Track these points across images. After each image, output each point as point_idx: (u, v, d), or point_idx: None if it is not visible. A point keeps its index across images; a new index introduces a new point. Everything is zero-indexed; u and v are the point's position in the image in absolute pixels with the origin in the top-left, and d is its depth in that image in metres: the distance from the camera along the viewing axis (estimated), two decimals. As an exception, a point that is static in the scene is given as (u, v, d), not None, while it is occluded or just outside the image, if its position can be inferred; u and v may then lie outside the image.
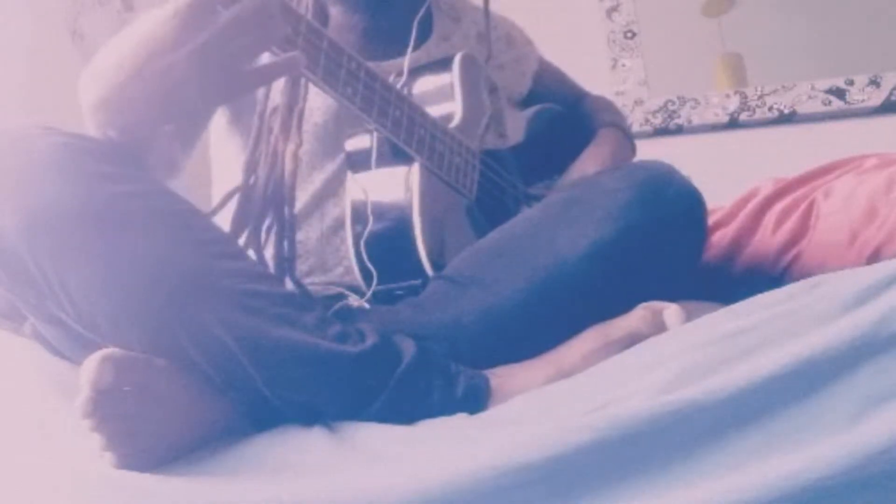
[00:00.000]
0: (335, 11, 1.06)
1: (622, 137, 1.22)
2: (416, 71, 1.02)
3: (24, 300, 0.71)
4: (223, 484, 0.60)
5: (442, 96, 1.01)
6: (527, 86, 1.24)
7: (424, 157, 0.92)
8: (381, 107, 0.87)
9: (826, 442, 0.54)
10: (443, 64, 1.03)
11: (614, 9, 2.01)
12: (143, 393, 0.63)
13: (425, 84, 1.02)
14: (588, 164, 1.14)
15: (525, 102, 1.24)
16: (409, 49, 1.01)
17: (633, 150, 1.24)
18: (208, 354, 0.66)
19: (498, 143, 1.11)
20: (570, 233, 0.80)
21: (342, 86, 0.83)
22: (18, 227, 0.65)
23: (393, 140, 0.90)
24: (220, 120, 1.07)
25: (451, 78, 1.02)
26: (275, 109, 0.89)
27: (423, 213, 0.90)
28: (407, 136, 0.91)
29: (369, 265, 0.90)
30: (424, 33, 1.08)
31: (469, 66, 1.03)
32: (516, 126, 1.17)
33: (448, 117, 1.00)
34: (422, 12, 1.04)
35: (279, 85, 0.90)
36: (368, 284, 0.90)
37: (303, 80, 0.89)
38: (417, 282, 0.89)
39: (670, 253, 0.82)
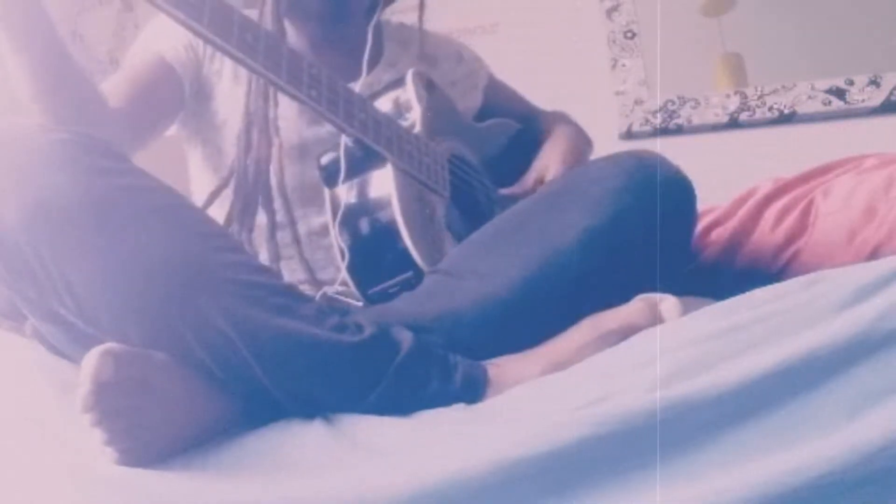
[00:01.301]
0: (290, 29, 1.09)
1: (574, 130, 1.24)
2: (371, 96, 1.05)
3: (24, 296, 0.71)
4: (223, 480, 0.61)
5: (400, 111, 1.04)
6: (479, 99, 1.28)
7: (395, 156, 0.94)
8: (347, 109, 0.89)
9: (824, 439, 0.54)
10: (396, 83, 1.06)
11: (614, 9, 2.01)
12: (143, 387, 0.63)
13: (382, 104, 1.04)
14: (548, 154, 1.16)
15: (479, 118, 1.27)
16: (364, 59, 1.03)
17: (588, 142, 1.26)
18: (209, 345, 0.67)
19: (460, 149, 1.13)
20: (562, 220, 0.81)
21: (307, 88, 0.85)
22: (20, 220, 0.65)
23: (362, 139, 0.91)
24: (190, 142, 1.12)
25: (407, 93, 1.04)
26: (251, 121, 0.95)
27: (402, 208, 0.91)
28: (375, 136, 0.92)
29: (342, 244, 0.92)
30: (373, 60, 1.11)
31: (421, 80, 1.06)
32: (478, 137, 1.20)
33: (410, 128, 1.02)
34: (372, 24, 1.07)
35: (251, 98, 0.97)
36: (356, 283, 0.92)
37: (272, 90, 0.92)
38: (409, 274, 0.90)
39: (661, 238, 0.83)
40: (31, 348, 0.81)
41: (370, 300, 0.92)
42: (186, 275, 0.66)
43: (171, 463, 0.63)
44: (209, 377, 0.68)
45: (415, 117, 1.04)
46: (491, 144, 1.21)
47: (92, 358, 0.61)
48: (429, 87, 1.08)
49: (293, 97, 0.86)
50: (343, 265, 0.93)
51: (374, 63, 1.13)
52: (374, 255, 0.92)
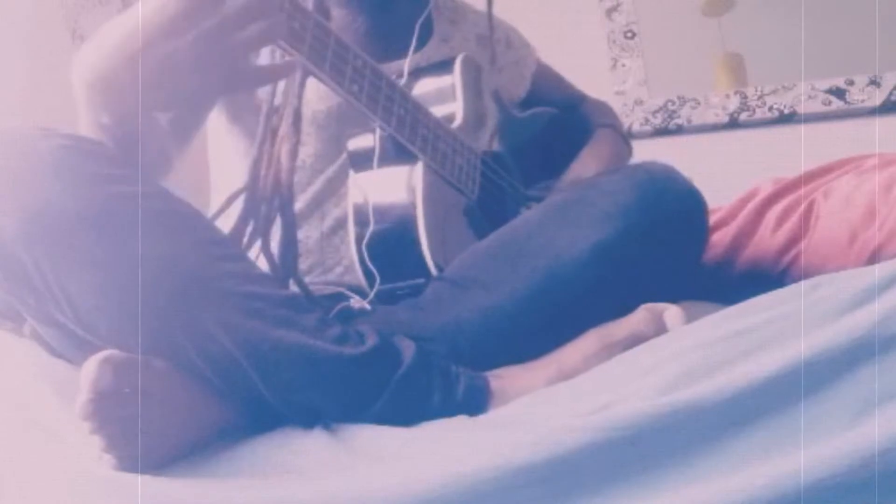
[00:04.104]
0: (337, 12, 1.06)
1: (619, 138, 1.23)
2: (417, 73, 1.03)
3: (22, 302, 0.70)
4: (223, 486, 0.60)
5: (443, 97, 1.02)
6: (525, 88, 1.25)
7: (428, 156, 0.92)
8: (386, 105, 0.88)
9: (826, 443, 0.54)
10: (444, 66, 1.04)
11: (614, 9, 2.01)
12: (142, 395, 0.63)
13: (426, 85, 1.02)
14: (586, 162, 1.14)
15: (523, 105, 1.24)
16: (411, 50, 1.01)
17: (629, 152, 1.25)
18: (208, 356, 0.66)
19: (498, 146, 1.11)
20: (571, 234, 0.81)
21: (348, 83, 0.83)
22: (17, 228, 0.65)
23: (397, 138, 0.90)
24: (218, 120, 1.06)
25: (453, 79, 1.02)
26: (276, 110, 0.89)
27: (426, 212, 0.90)
28: (411, 134, 0.91)
29: (371, 266, 0.90)
30: (424, 36, 1.09)
31: (470, 67, 1.04)
32: (516, 129, 1.18)
33: (449, 118, 1.00)
34: (423, 15, 1.04)
35: (281, 85, 0.90)
36: (370, 284, 0.90)
37: (298, 80, 0.89)
38: (421, 280, 0.89)
39: (670, 254, 0.82)
40: (31, 349, 0.81)
41: (377, 297, 0.91)
42: (186, 286, 0.66)
43: (170, 467, 0.63)
44: (209, 385, 0.67)
45: (457, 108, 1.01)
46: (530, 132, 1.18)
47: (91, 366, 0.61)
48: (476, 74, 1.05)
49: (334, 90, 0.83)
50: (355, 255, 0.92)
51: (424, 40, 1.10)
52: (389, 252, 0.91)
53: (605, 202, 0.81)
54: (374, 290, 0.89)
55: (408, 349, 0.72)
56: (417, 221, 0.90)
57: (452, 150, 0.97)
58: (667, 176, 0.84)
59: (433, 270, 0.89)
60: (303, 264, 0.98)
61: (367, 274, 0.91)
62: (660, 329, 0.76)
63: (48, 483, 0.65)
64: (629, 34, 1.99)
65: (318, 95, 0.95)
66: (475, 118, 1.04)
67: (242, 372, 0.67)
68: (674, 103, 1.94)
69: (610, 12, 2.01)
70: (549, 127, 1.22)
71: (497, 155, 1.10)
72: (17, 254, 0.65)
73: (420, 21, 1.04)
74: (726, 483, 0.53)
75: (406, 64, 1.00)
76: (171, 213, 0.70)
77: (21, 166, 0.66)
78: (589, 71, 1.95)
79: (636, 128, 1.93)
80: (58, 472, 0.65)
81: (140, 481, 0.61)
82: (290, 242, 0.86)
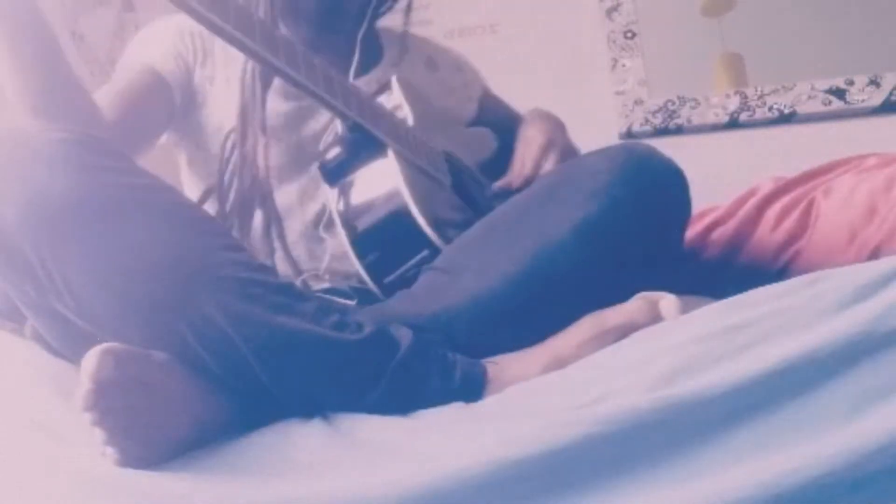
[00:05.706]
0: (283, 26, 1.10)
1: (545, 114, 1.25)
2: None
3: (24, 294, 0.71)
4: (223, 481, 0.60)
5: (393, 111, 1.05)
6: (473, 110, 1.29)
7: (395, 143, 0.95)
8: (345, 96, 0.91)
9: (824, 438, 0.54)
10: (382, 88, 1.09)
11: (614, 9, 2.01)
12: (143, 386, 0.63)
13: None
14: (527, 135, 1.16)
15: (472, 126, 1.28)
16: (356, 56, 1.05)
17: (562, 125, 1.25)
18: (208, 343, 0.67)
19: (451, 148, 1.14)
20: (557, 214, 0.82)
21: (305, 71, 0.87)
22: (20, 219, 0.66)
23: (362, 124, 0.92)
24: (182, 160, 1.12)
25: (395, 95, 1.06)
26: (246, 121, 0.96)
27: (412, 191, 0.92)
28: (374, 123, 0.94)
29: (346, 239, 0.93)
30: (374, 62, 1.14)
31: (406, 84, 1.08)
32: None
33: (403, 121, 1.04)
34: (362, 31, 1.09)
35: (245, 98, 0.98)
36: (370, 276, 0.92)
37: (260, 89, 0.96)
38: (425, 253, 0.90)
39: (654, 228, 0.83)
40: (31, 349, 0.81)
41: (387, 290, 0.92)
42: (186, 273, 0.66)
43: (170, 464, 0.63)
44: (209, 377, 0.68)
45: (406, 113, 1.05)
46: (479, 149, 1.22)
47: (92, 357, 0.61)
48: (415, 91, 1.09)
49: (291, 80, 0.86)
50: (356, 260, 0.94)
51: (374, 64, 1.14)
52: (386, 243, 0.93)
53: (587, 182, 0.82)
54: (357, 256, 0.93)
55: (404, 336, 0.73)
56: (406, 199, 0.91)
57: (416, 141, 1.00)
58: (646, 153, 0.85)
59: (435, 240, 0.90)
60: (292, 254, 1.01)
61: (370, 270, 0.93)
62: (655, 318, 0.76)
63: (48, 483, 0.65)
64: (629, 34, 1.99)
65: (273, 103, 0.98)
66: (425, 124, 1.07)
67: (242, 359, 0.67)
68: (674, 103, 1.93)
69: (610, 12, 2.01)
70: (499, 150, 1.25)
71: (455, 155, 1.13)
72: (19, 243, 0.66)
73: (361, 36, 1.08)
74: (723, 478, 0.53)
75: (350, 75, 1.04)
76: (170, 203, 0.71)
77: (21, 156, 0.67)
78: (589, 71, 1.96)
79: (636, 128, 1.93)
80: (58, 472, 0.65)
81: (139, 479, 0.61)
82: (274, 220, 0.95)
